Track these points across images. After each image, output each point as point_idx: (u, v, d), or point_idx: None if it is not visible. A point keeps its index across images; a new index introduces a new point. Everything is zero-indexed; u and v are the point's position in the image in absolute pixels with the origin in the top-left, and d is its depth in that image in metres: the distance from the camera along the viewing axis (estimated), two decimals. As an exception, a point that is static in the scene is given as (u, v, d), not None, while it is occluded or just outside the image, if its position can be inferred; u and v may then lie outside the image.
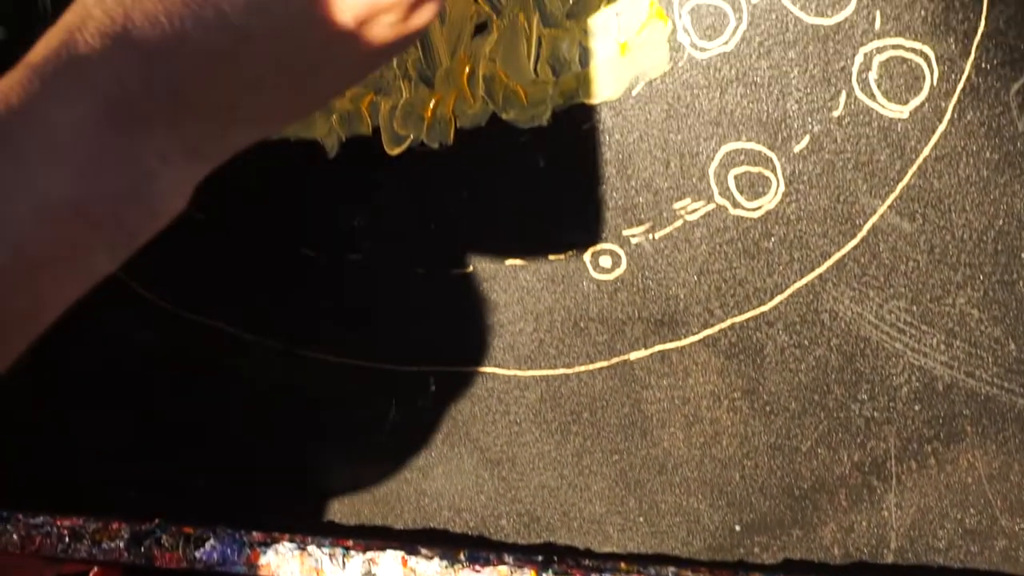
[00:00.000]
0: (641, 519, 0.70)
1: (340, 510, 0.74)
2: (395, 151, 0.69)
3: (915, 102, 0.60)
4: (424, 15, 0.47)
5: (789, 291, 0.65)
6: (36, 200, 0.42)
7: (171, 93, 0.43)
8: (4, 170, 0.41)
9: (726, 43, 0.62)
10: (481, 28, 0.65)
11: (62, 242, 0.43)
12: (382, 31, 0.46)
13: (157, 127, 0.43)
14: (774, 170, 0.63)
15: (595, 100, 0.65)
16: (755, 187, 0.64)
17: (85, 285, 0.45)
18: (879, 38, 0.60)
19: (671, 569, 0.68)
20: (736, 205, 0.65)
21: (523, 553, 0.70)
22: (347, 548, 0.70)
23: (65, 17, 0.43)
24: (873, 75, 0.60)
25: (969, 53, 0.59)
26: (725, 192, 0.65)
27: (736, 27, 0.62)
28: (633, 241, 0.66)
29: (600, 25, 0.63)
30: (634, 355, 0.68)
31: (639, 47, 0.63)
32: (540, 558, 0.69)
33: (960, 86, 0.60)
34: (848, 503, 0.66)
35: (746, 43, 0.62)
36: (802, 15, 0.61)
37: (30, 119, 0.41)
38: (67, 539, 0.73)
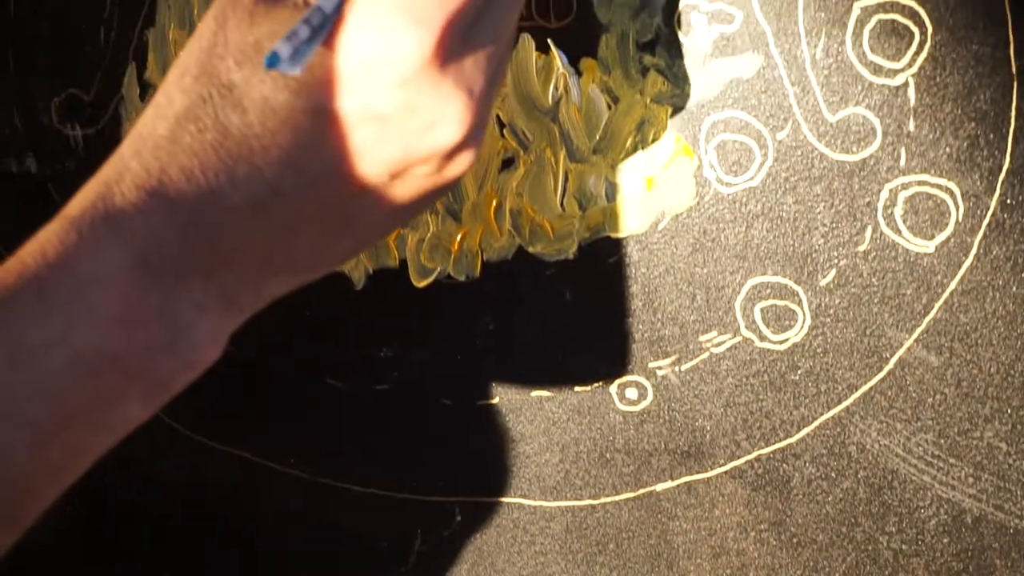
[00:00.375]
0: (670, 654, 0.69)
1: (363, 643, 0.73)
2: (422, 283, 0.69)
3: (941, 237, 0.61)
4: (459, 165, 0.47)
5: (816, 423, 0.65)
6: (71, 353, 0.42)
7: (206, 246, 0.43)
8: (39, 323, 0.41)
9: (752, 178, 0.63)
10: (508, 163, 0.66)
11: (97, 394, 0.43)
12: (417, 182, 0.46)
13: (193, 279, 0.43)
14: (800, 303, 0.63)
15: (622, 234, 0.65)
16: (781, 320, 0.64)
17: (119, 435, 0.45)
18: (904, 174, 0.60)
19: None
20: (762, 338, 0.64)
21: None
22: None
23: (102, 171, 0.43)
24: (899, 210, 0.61)
25: (994, 189, 0.59)
26: (751, 325, 0.64)
27: (762, 163, 0.62)
28: (659, 373, 0.66)
29: (626, 160, 0.64)
30: (660, 486, 0.68)
31: (665, 182, 0.64)
32: None
33: (986, 222, 0.60)
34: (880, 638, 0.66)
35: (772, 179, 0.62)
36: (827, 151, 0.61)
37: (66, 272, 0.41)
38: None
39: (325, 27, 0.42)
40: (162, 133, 0.43)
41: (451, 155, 0.46)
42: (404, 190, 0.46)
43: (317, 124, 0.43)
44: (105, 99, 0.69)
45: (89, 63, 0.69)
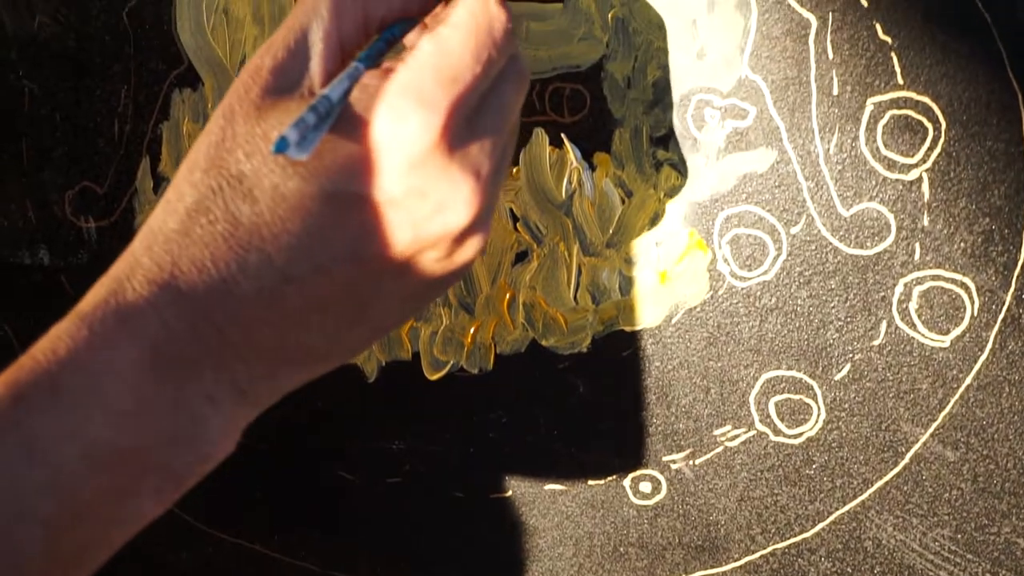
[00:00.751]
0: None
1: None
2: (435, 376, 0.68)
3: (956, 332, 0.60)
4: (469, 250, 0.47)
5: (831, 518, 0.64)
6: (84, 448, 0.41)
7: (218, 337, 0.43)
8: (53, 419, 0.41)
9: (766, 272, 0.62)
10: (522, 256, 0.65)
11: (110, 488, 0.42)
12: (428, 267, 0.46)
13: (205, 371, 0.43)
14: (815, 398, 0.63)
15: (635, 327, 0.65)
16: (796, 414, 0.63)
17: (132, 530, 0.44)
18: (919, 269, 0.60)
19: None
20: (777, 432, 0.64)
21: None
22: None
23: (114, 267, 0.43)
24: (914, 305, 0.60)
25: (1010, 284, 0.59)
26: (766, 419, 0.64)
27: (776, 257, 0.62)
28: (673, 467, 0.65)
29: (640, 254, 0.63)
30: (675, 582, 0.67)
31: (679, 276, 0.63)
32: None
33: (1001, 316, 0.59)
34: None
35: (786, 273, 0.62)
36: (841, 246, 0.61)
37: (78, 368, 0.41)
38: None
39: (332, 114, 0.42)
40: (173, 227, 0.43)
41: (461, 239, 0.46)
42: (415, 275, 0.46)
43: (327, 209, 0.43)
44: (119, 192, 0.69)
45: (103, 156, 0.69)
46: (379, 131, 0.43)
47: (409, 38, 0.51)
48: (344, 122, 0.43)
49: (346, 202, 0.43)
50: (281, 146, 0.40)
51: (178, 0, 0.66)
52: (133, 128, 0.68)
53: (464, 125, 0.45)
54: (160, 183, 0.69)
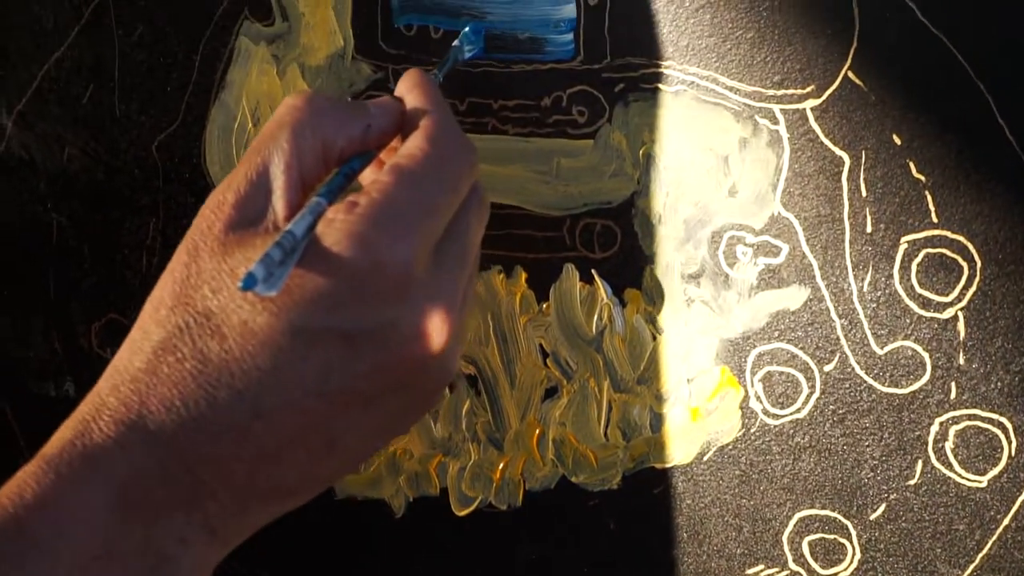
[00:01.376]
0: None
1: None
2: (463, 512, 0.66)
3: (993, 472, 0.59)
4: (441, 381, 0.47)
5: (868, 661, 0.62)
6: None
7: (189, 476, 0.42)
8: (18, 564, 0.39)
9: (799, 410, 0.61)
10: (551, 392, 0.64)
11: None
12: (399, 399, 0.45)
13: (175, 511, 0.42)
14: (850, 537, 0.61)
15: (666, 464, 0.63)
16: (830, 554, 0.61)
17: None
18: (955, 408, 0.58)
19: None
20: (811, 572, 0.62)
21: None
22: None
23: (79, 409, 0.43)
24: (950, 444, 0.59)
25: (1048, 426, 0.57)
26: (799, 559, 0.62)
27: (809, 395, 0.60)
28: (706, 608, 0.63)
29: (671, 391, 0.62)
30: None
31: (711, 413, 0.62)
32: None
33: (1039, 458, 0.58)
34: None
35: (819, 411, 0.60)
36: (876, 384, 0.59)
37: (45, 512, 0.40)
38: None
39: (298, 249, 0.42)
40: (139, 366, 0.42)
41: (434, 371, 0.45)
42: (385, 408, 0.45)
43: (297, 344, 0.42)
44: (145, 324, 0.68)
45: (130, 289, 0.68)
46: (349, 264, 0.42)
47: (365, 174, 0.50)
48: (312, 256, 0.43)
49: (316, 336, 0.42)
50: (249, 283, 0.39)
51: (208, 134, 0.66)
52: (161, 261, 0.67)
53: (432, 256, 0.45)
54: (187, 316, 0.67)
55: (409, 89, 0.51)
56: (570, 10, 0.59)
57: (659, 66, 0.59)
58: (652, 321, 0.63)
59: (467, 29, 0.59)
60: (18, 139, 0.68)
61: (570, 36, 0.60)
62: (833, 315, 0.60)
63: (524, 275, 0.63)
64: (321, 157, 0.47)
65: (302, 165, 0.46)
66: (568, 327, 0.63)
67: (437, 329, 0.44)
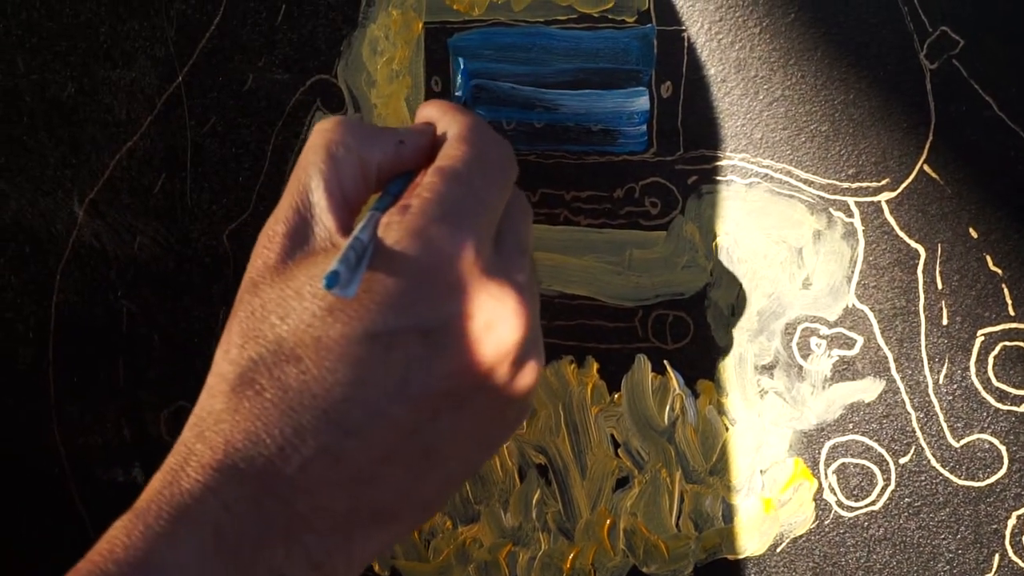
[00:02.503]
0: None
1: None
2: (532, 603, 0.65)
3: (1074, 566, 0.57)
4: (528, 375, 0.45)
5: None
6: None
7: (284, 509, 0.40)
8: None
9: (874, 503, 0.59)
10: (622, 482, 0.63)
11: None
12: (487, 398, 0.44)
13: (274, 548, 0.40)
14: (927, 631, 0.59)
15: (739, 556, 0.62)
16: (907, 648, 0.59)
17: None
18: (1034, 502, 0.57)
19: None
20: (888, 667, 0.60)
21: None
22: None
23: (167, 461, 0.41)
24: (1029, 539, 0.57)
25: None
26: (876, 653, 0.60)
27: (884, 487, 0.59)
28: None
29: (744, 482, 0.61)
30: None
31: (784, 504, 0.60)
32: None
33: (1121, 554, 0.56)
34: None
35: (894, 503, 0.59)
36: (952, 477, 0.58)
37: (136, 567, 0.38)
38: None
39: (367, 254, 0.41)
40: (220, 408, 0.41)
41: (518, 363, 0.44)
42: (475, 408, 0.44)
43: (375, 349, 0.41)
44: (214, 412, 0.66)
45: (200, 376, 0.67)
46: (414, 260, 0.41)
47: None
48: (375, 259, 0.42)
49: (393, 337, 0.41)
50: (332, 280, 0.38)
51: (280, 224, 0.65)
52: (231, 349, 0.66)
53: (493, 246, 0.44)
54: (256, 404, 0.66)
55: (432, 108, 0.51)
56: (643, 102, 0.58)
57: (733, 158, 0.58)
58: (725, 412, 0.61)
59: (461, 69, 0.59)
60: (89, 228, 0.67)
61: (643, 128, 0.59)
62: (909, 407, 0.59)
63: (596, 365, 0.62)
64: (360, 174, 0.46)
65: (343, 183, 0.45)
66: (640, 418, 0.62)
67: (513, 311, 0.43)
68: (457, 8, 0.60)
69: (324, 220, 0.44)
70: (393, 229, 0.42)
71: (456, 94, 0.58)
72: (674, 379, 0.62)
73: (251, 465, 0.40)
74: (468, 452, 0.45)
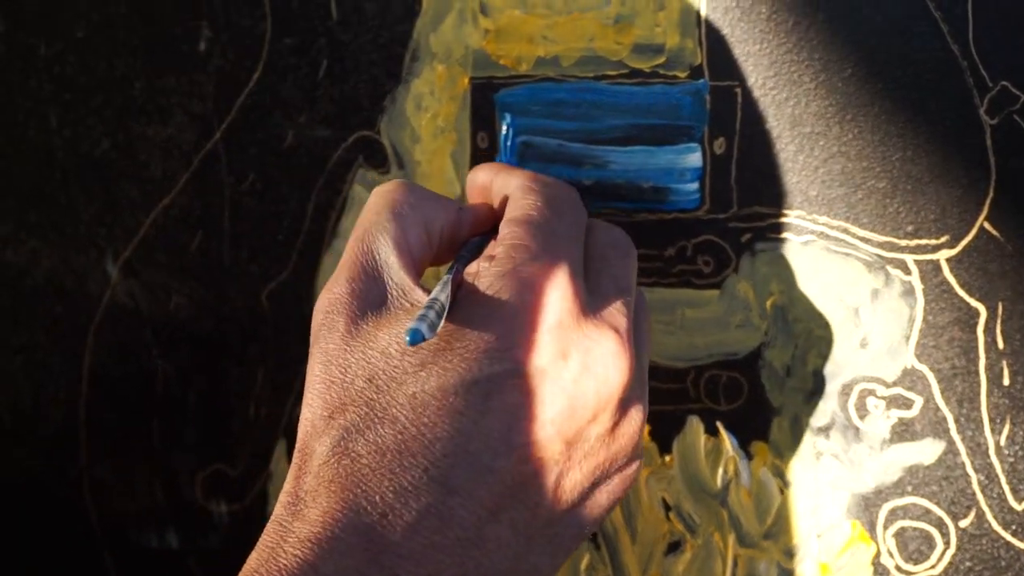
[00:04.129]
0: None
1: None
2: (581, 671, 0.61)
3: None
4: (634, 420, 0.42)
5: None
6: None
7: None
8: None
9: (933, 567, 0.57)
10: (674, 547, 0.60)
11: None
12: (595, 449, 0.41)
13: None
14: None
15: (794, 621, 0.58)
16: None
17: None
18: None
19: None
20: None
21: None
22: None
23: (261, 540, 0.38)
24: (1096, 605, 0.54)
25: None
26: None
27: (943, 551, 0.56)
28: None
29: (800, 546, 0.58)
30: None
31: (841, 569, 0.58)
32: None
33: None
34: None
35: (954, 568, 0.56)
36: (1014, 540, 0.56)
37: None
38: None
39: (444, 312, 0.39)
40: (314, 483, 0.38)
41: (621, 409, 0.41)
42: (585, 464, 0.41)
43: (474, 400, 0.38)
44: (252, 475, 0.64)
45: (237, 439, 0.64)
46: (509, 304, 0.39)
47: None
48: (468, 306, 0.40)
49: (492, 384, 0.38)
50: (415, 338, 0.36)
51: (319, 283, 0.63)
52: (269, 411, 0.63)
53: (585, 288, 0.41)
54: (295, 466, 0.63)
55: (483, 171, 0.50)
56: (696, 159, 0.56)
57: (788, 216, 0.56)
58: (780, 475, 0.58)
59: (507, 124, 0.56)
60: (124, 287, 0.64)
61: (696, 185, 0.56)
62: (969, 469, 0.56)
63: (647, 427, 0.59)
64: (424, 237, 0.44)
65: (410, 244, 0.43)
66: (692, 480, 0.59)
67: (613, 353, 0.40)
68: (504, 63, 0.58)
69: (397, 278, 0.42)
70: (483, 275, 0.41)
71: (502, 153, 0.55)
72: (727, 441, 0.59)
73: (353, 535, 0.37)
74: (579, 510, 0.42)
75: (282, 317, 0.64)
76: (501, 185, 0.48)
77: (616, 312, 0.42)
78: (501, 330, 0.39)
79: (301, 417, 0.41)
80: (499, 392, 0.39)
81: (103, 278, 0.66)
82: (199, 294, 0.65)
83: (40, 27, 0.64)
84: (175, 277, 0.65)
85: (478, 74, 0.59)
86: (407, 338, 0.37)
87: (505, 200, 0.47)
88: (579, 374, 0.40)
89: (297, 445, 0.41)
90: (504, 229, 0.43)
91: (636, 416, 0.43)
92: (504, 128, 0.59)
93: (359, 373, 0.40)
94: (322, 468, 0.39)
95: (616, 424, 0.42)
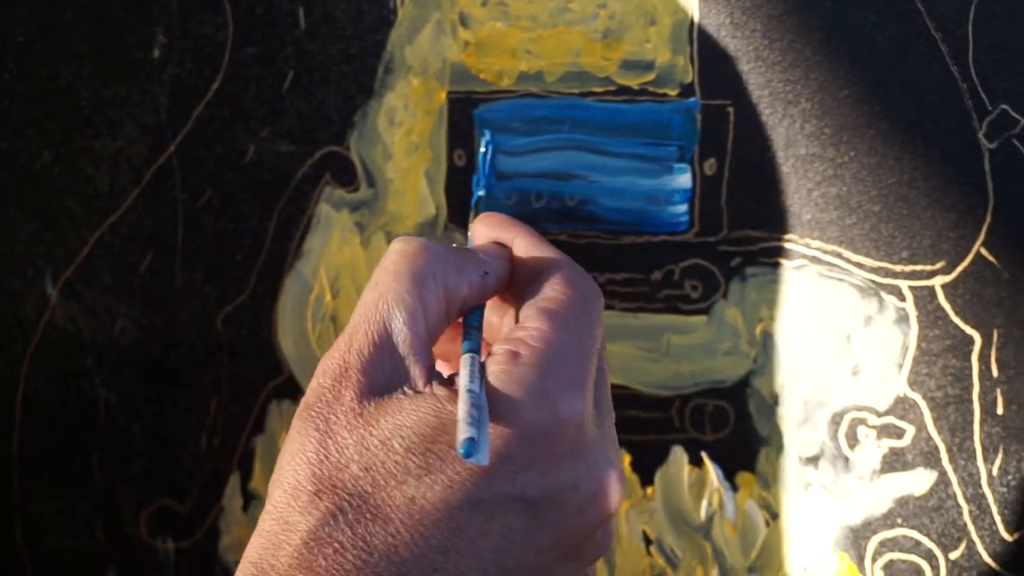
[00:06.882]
0: None
1: None
2: None
3: None
4: (608, 535, 0.39)
5: None
6: None
7: None
8: None
9: (922, 600, 0.53)
10: (655, 583, 0.55)
11: None
12: (570, 565, 0.38)
13: None
14: None
15: (780, 657, 0.54)
16: None
17: None
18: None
19: None
20: None
21: None
22: None
23: None
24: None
25: None
26: None
27: (932, 585, 0.52)
28: None
29: (786, 579, 0.53)
30: None
31: (827, 603, 0.53)
32: None
33: None
34: None
35: (944, 607, 0.53)
36: (1005, 572, 0.55)
37: None
38: None
39: (484, 408, 0.35)
40: (288, 563, 0.34)
41: (605, 528, 0.39)
42: (566, 566, 0.38)
43: (475, 518, 0.34)
44: (203, 511, 0.58)
45: (186, 472, 0.58)
46: (531, 422, 0.35)
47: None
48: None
49: (498, 506, 0.35)
50: (470, 448, 0.32)
51: (280, 306, 0.56)
52: (223, 442, 0.57)
53: (594, 406, 0.38)
54: (251, 502, 0.57)
55: (490, 227, 0.44)
56: (685, 180, 0.52)
57: (779, 240, 0.52)
58: (766, 506, 0.55)
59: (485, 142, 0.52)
60: (63, 310, 0.58)
61: (684, 207, 0.52)
62: (960, 500, 0.53)
63: (628, 458, 0.55)
64: (444, 309, 0.39)
65: (428, 318, 0.38)
66: (674, 513, 0.55)
67: (614, 488, 0.37)
68: (484, 77, 0.53)
69: (406, 364, 0.37)
70: (507, 382, 0.36)
71: (480, 172, 0.50)
72: (712, 472, 0.55)
73: None
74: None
75: (238, 342, 0.58)
76: (525, 250, 0.43)
77: (613, 439, 0.39)
78: (515, 451, 0.35)
79: (281, 472, 0.36)
80: (501, 515, 0.35)
81: (41, 300, 0.59)
82: (147, 318, 0.58)
83: (-22, 29, 0.57)
84: (121, 299, 0.58)
85: (456, 88, 0.54)
86: (460, 450, 0.33)
87: (529, 267, 0.42)
88: (582, 504, 0.37)
89: (270, 508, 0.36)
90: (533, 322, 0.38)
91: (606, 543, 0.40)
92: (483, 146, 0.54)
93: (355, 459, 0.35)
94: (302, 549, 0.34)
95: (590, 551, 0.39)
